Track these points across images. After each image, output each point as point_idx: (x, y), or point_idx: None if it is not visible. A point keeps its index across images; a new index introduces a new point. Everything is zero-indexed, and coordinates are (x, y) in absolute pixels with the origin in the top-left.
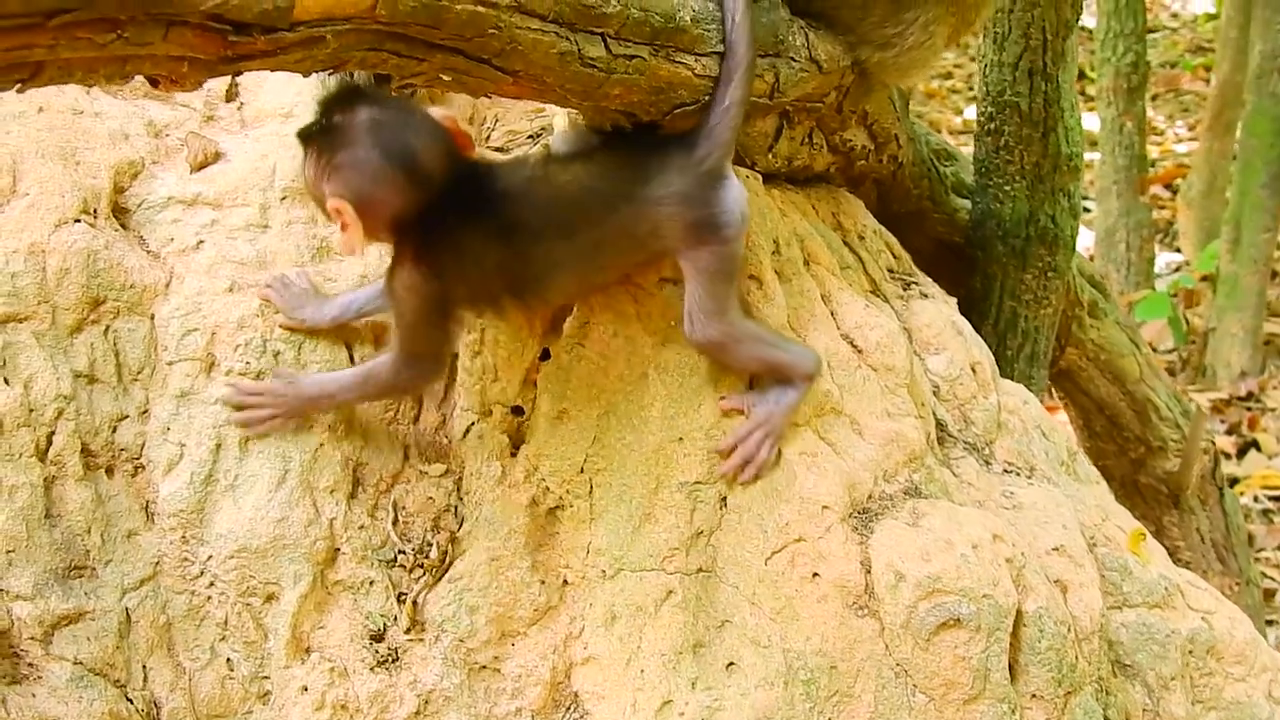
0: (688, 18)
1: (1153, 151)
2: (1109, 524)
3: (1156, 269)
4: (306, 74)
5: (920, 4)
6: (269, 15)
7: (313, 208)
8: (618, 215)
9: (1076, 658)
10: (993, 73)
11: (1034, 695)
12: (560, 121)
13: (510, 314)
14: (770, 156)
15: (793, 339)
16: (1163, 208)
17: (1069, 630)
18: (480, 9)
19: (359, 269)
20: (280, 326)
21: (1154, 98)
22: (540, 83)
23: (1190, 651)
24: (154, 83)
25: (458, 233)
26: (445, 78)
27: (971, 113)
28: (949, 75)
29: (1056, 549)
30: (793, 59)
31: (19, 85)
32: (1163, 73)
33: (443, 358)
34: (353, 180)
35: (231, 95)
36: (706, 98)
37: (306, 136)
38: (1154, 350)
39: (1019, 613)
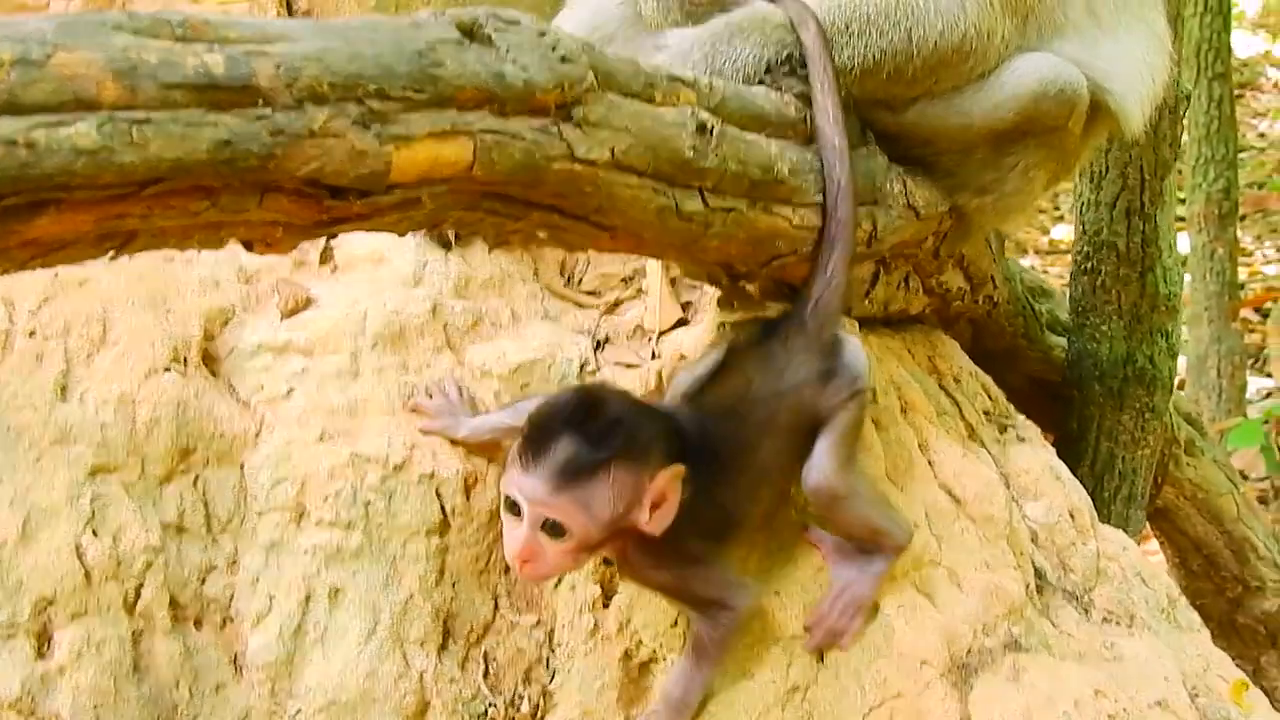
0: (785, 169)
1: (1241, 273)
2: (1210, 673)
3: (1248, 395)
4: (402, 234)
5: (1020, 149)
6: (365, 180)
7: (405, 353)
8: (779, 418)
9: None
10: (1089, 212)
11: None
12: (654, 280)
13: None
14: (867, 302)
15: (894, 509)
16: (1253, 331)
17: None
18: (577, 166)
19: None
20: (419, 430)
21: (1242, 218)
22: (638, 237)
23: None
24: (248, 246)
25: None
26: (542, 234)
27: (1059, 232)
28: None
29: (1159, 703)
30: (890, 207)
31: (112, 253)
32: (1251, 193)
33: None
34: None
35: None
36: (806, 249)
37: (596, 463)
38: (1245, 478)
39: None
